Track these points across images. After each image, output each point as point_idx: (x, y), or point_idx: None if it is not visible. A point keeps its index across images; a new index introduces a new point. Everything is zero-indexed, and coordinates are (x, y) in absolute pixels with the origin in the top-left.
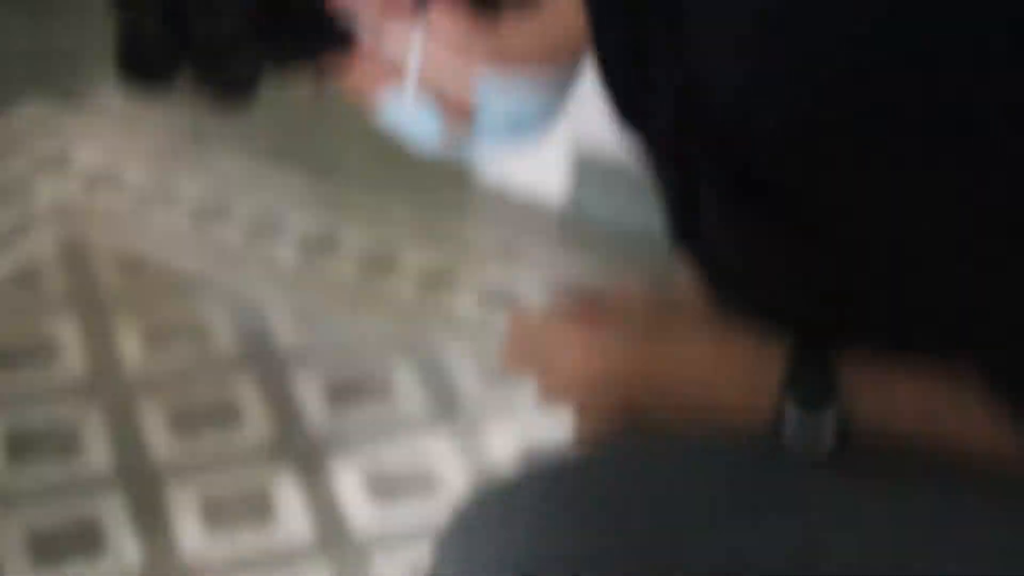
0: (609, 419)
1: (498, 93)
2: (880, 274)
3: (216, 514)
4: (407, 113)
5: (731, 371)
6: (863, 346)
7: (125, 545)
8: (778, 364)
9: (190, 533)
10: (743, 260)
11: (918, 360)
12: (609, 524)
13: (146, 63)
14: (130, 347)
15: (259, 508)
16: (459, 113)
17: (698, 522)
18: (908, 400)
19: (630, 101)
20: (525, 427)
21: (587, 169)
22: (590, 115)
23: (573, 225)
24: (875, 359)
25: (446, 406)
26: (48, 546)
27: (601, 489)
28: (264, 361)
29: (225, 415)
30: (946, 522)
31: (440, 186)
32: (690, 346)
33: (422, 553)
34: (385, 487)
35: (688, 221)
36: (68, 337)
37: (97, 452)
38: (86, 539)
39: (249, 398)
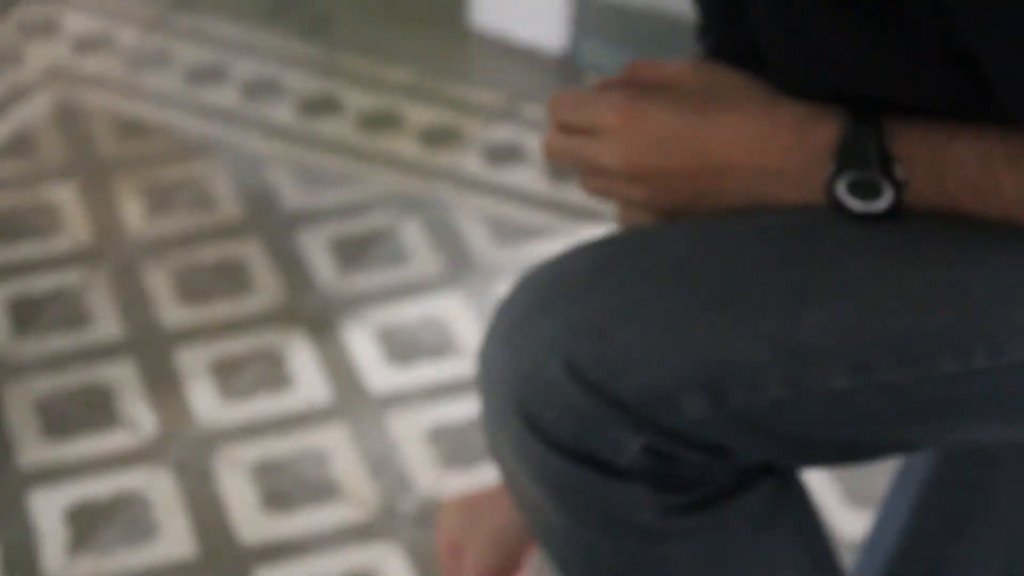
0: (654, 207)
1: None
2: (932, 37)
3: (230, 379)
4: None
5: (782, 138)
6: (917, 113)
7: (138, 413)
8: (830, 132)
9: (204, 399)
10: (790, 36)
11: (975, 124)
12: (660, 303)
13: None
14: (133, 211)
15: (273, 371)
16: None
17: (751, 296)
18: (966, 163)
19: None
20: None
21: (588, 17)
22: None
23: (576, 76)
24: (930, 124)
25: (457, 264)
26: (59, 417)
27: (649, 265)
28: (270, 222)
29: (233, 278)
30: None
31: (438, 45)
32: (740, 114)
33: (439, 411)
34: (399, 347)
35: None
36: (69, 204)
37: (105, 319)
38: (98, 408)
39: (257, 260)
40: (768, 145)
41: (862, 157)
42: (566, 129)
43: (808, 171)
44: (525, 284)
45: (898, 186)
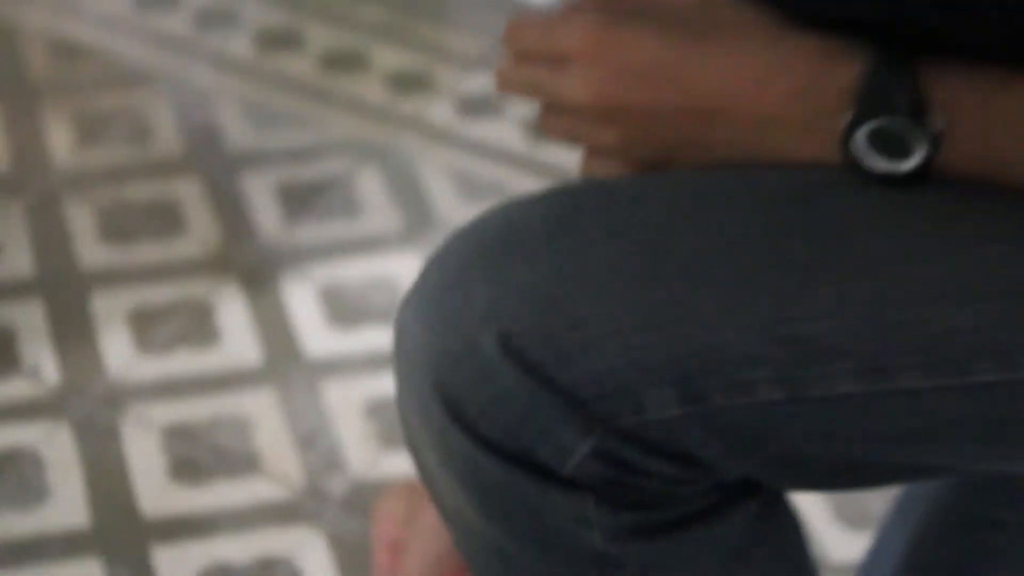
0: (627, 156)
1: None
2: None
3: (148, 330)
4: None
5: (789, 79)
6: (962, 53)
7: (42, 360)
8: (851, 72)
9: (117, 350)
10: None
11: None
12: (627, 272)
13: None
14: (60, 139)
15: (198, 325)
16: None
17: (742, 270)
18: (1018, 118)
19: None
20: None
21: None
22: None
23: None
24: (978, 67)
25: (416, 220)
26: None
27: (617, 222)
28: (211, 161)
29: (165, 219)
30: None
31: None
32: (738, 46)
33: (381, 383)
34: (343, 309)
35: None
36: None
37: (17, 254)
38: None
39: (193, 201)
40: (771, 86)
41: (888, 102)
42: (525, 57)
43: (820, 119)
44: (460, 237)
45: (933, 140)
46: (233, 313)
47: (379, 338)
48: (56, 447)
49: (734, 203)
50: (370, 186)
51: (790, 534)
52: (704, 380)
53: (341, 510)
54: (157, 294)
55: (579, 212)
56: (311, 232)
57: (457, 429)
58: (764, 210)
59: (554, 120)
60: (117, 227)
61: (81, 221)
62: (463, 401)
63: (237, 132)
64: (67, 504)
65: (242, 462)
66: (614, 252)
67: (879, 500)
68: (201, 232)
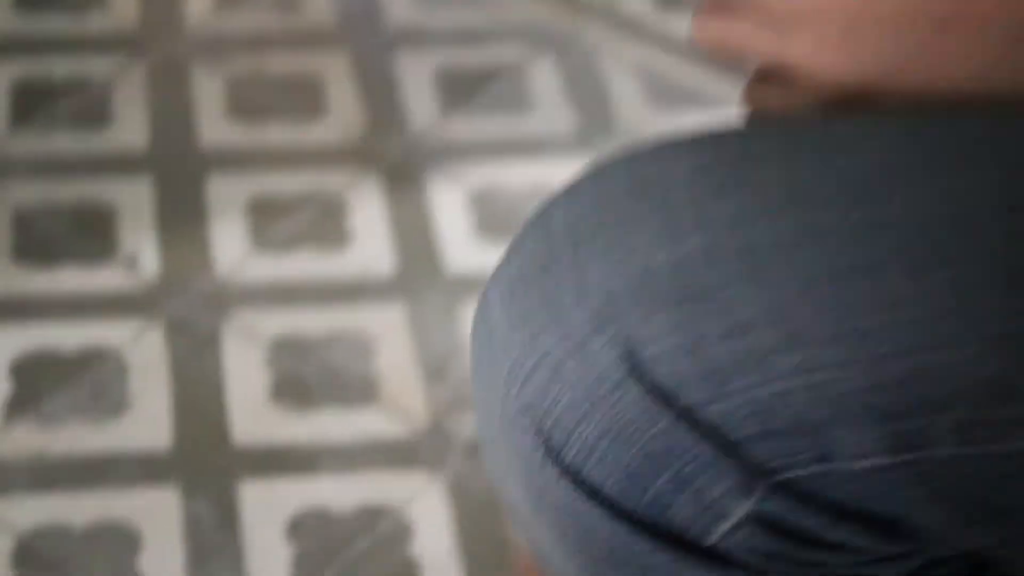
0: (819, 71)
1: None
2: None
3: (268, 225)
4: None
5: None
6: None
7: (143, 248)
8: None
9: (230, 243)
10: None
11: None
12: (807, 244)
13: None
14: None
15: (328, 222)
16: None
17: (978, 264)
18: None
19: None
20: None
21: None
22: None
23: None
24: None
25: (593, 122)
26: (41, 237)
27: (795, 183)
28: (366, 35)
29: (305, 97)
30: None
31: None
32: None
33: None
34: (494, 219)
35: None
36: None
37: (131, 122)
38: (93, 232)
39: (339, 80)
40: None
41: None
42: (740, 6)
43: None
44: (571, 192)
45: None
46: (368, 212)
47: None
48: (144, 351)
49: (967, 160)
50: (543, 79)
51: None
52: (927, 417)
53: (467, 457)
54: (283, 183)
55: (742, 166)
56: (469, 126)
57: (554, 470)
58: (1006, 172)
59: (775, 92)
60: (248, 102)
61: (208, 91)
62: (564, 432)
63: (398, 5)
64: (148, 419)
65: (357, 389)
66: (791, 226)
67: None
68: (343, 116)
